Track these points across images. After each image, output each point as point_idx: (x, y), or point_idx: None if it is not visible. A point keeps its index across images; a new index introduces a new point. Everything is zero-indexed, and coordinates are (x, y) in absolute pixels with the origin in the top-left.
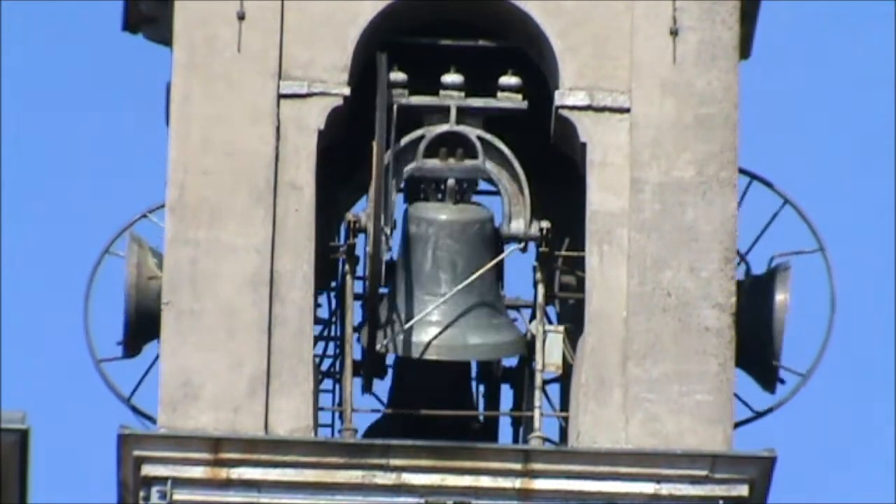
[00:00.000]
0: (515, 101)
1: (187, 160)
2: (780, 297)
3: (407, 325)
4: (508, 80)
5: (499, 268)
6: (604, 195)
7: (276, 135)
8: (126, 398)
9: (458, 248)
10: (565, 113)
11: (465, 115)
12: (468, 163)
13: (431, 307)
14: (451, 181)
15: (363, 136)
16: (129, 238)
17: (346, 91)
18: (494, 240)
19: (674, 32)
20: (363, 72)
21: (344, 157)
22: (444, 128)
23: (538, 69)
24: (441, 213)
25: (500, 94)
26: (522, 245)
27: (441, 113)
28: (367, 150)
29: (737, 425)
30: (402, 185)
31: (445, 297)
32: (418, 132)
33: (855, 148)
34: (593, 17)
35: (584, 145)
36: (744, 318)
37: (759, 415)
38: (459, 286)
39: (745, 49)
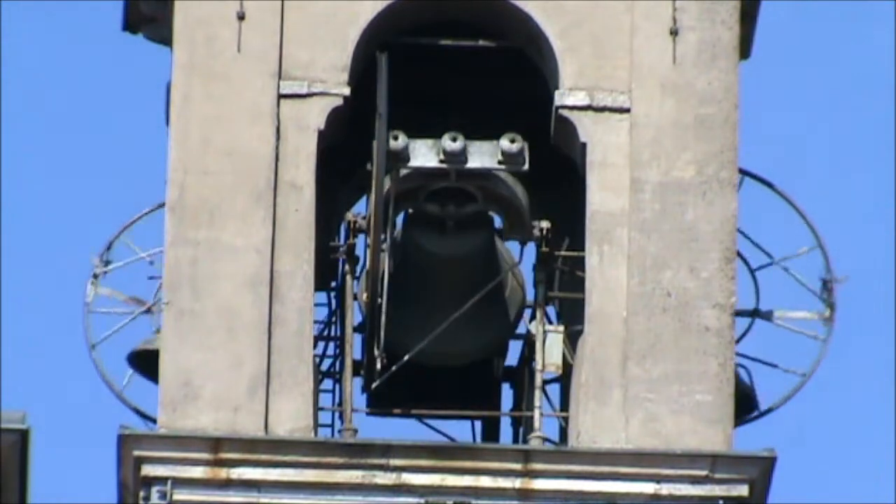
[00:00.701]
0: (516, 165)
1: (187, 160)
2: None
3: (406, 357)
4: (510, 147)
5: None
6: (604, 195)
7: (276, 135)
8: (140, 411)
9: (457, 277)
10: (565, 113)
11: (464, 176)
12: (468, 208)
13: (427, 340)
14: (450, 223)
15: (363, 136)
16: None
17: (346, 91)
18: (495, 254)
19: (674, 32)
20: (363, 72)
21: (344, 157)
22: (443, 183)
23: (538, 69)
24: (440, 247)
25: (501, 155)
26: (518, 263)
27: (441, 174)
28: (368, 151)
29: (737, 425)
30: (401, 214)
31: (441, 326)
32: (418, 181)
33: (855, 148)
34: (593, 17)
35: (584, 145)
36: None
37: (759, 415)
38: (455, 314)
39: (745, 49)
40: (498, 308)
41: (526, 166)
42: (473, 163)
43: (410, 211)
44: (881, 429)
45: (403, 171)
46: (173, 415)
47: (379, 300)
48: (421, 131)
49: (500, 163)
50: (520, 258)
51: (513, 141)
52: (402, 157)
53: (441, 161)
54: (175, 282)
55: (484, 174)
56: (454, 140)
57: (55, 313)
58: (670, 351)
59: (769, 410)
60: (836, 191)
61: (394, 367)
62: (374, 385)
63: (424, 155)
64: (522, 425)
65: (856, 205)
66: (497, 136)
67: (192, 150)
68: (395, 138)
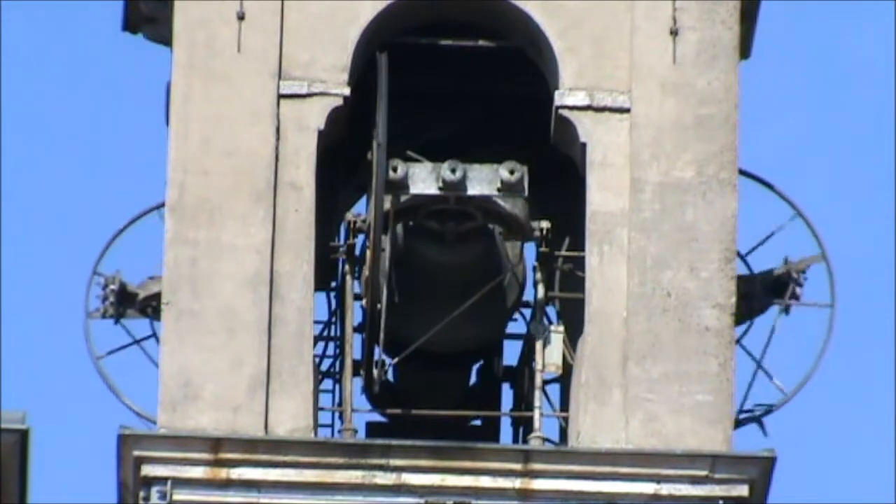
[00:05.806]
0: (515, 193)
1: (187, 160)
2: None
3: (402, 355)
4: (510, 177)
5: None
6: (604, 195)
7: (276, 135)
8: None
9: (458, 277)
10: (565, 113)
11: (464, 200)
12: (467, 224)
13: (428, 335)
14: (450, 238)
15: (363, 136)
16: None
17: (346, 91)
18: (496, 253)
19: (674, 32)
20: (363, 72)
21: (344, 157)
22: (443, 206)
23: (538, 69)
24: (440, 255)
25: (500, 184)
26: (519, 262)
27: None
28: (367, 151)
29: (737, 425)
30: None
31: (442, 322)
32: (418, 200)
33: (855, 148)
34: (593, 17)
35: (584, 145)
36: None
37: (759, 415)
38: (457, 311)
39: (745, 49)
40: (496, 300)
41: (525, 193)
42: (473, 190)
43: (410, 223)
44: (881, 429)
45: (403, 197)
46: (173, 415)
47: (379, 305)
48: (419, 133)
49: (499, 190)
50: (519, 258)
51: (512, 172)
52: (401, 185)
53: (440, 188)
54: (175, 282)
55: (483, 202)
56: (454, 171)
57: (56, 314)
58: (670, 351)
59: (770, 410)
60: (836, 191)
61: (395, 360)
62: (375, 386)
63: (424, 180)
64: (522, 425)
65: (856, 205)
66: (497, 143)
67: (192, 150)
68: (395, 170)
